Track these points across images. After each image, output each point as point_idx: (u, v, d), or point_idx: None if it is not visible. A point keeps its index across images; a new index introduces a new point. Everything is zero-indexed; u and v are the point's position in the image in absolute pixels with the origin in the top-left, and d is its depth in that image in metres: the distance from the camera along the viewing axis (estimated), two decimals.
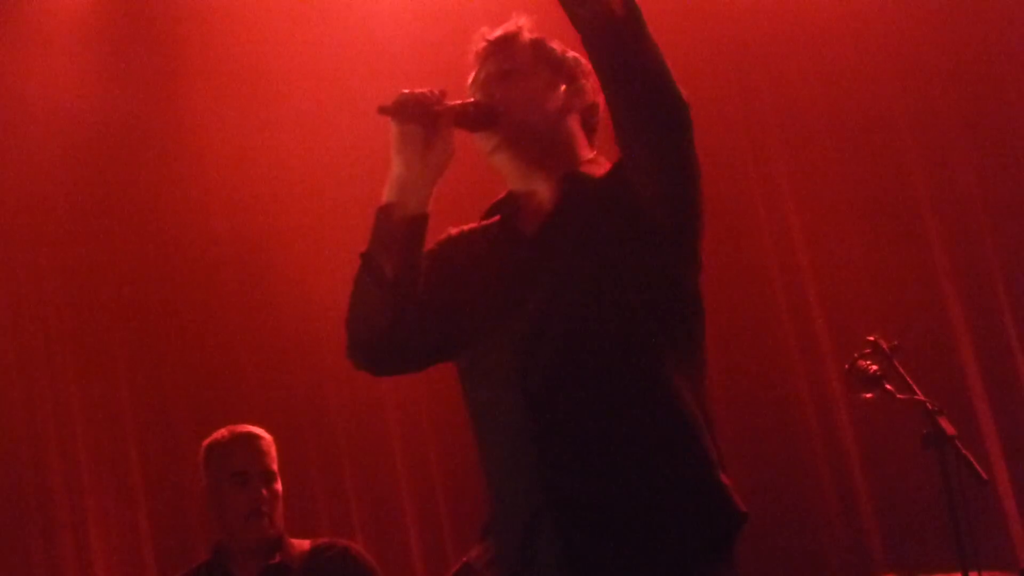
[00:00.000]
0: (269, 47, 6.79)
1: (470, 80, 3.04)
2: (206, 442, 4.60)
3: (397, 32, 6.65)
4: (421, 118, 2.80)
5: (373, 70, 6.37)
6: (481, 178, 3.12)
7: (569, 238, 2.85)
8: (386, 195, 2.85)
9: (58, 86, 6.79)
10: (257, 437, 4.56)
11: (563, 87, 2.98)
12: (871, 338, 4.92)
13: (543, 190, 2.96)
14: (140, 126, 6.90)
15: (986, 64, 6.44)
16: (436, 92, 2.84)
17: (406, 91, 2.82)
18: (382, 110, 2.79)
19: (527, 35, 3.04)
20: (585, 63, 2.95)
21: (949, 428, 4.65)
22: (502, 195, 3.06)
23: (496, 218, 3.04)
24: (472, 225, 3.09)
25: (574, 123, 3.01)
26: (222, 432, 4.60)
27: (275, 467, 4.53)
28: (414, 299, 2.84)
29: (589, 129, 3.05)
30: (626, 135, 2.73)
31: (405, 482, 6.69)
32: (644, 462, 2.73)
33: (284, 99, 6.79)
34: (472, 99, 2.97)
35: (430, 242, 2.94)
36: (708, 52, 6.55)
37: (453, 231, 3.08)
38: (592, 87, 2.97)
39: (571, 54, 3.01)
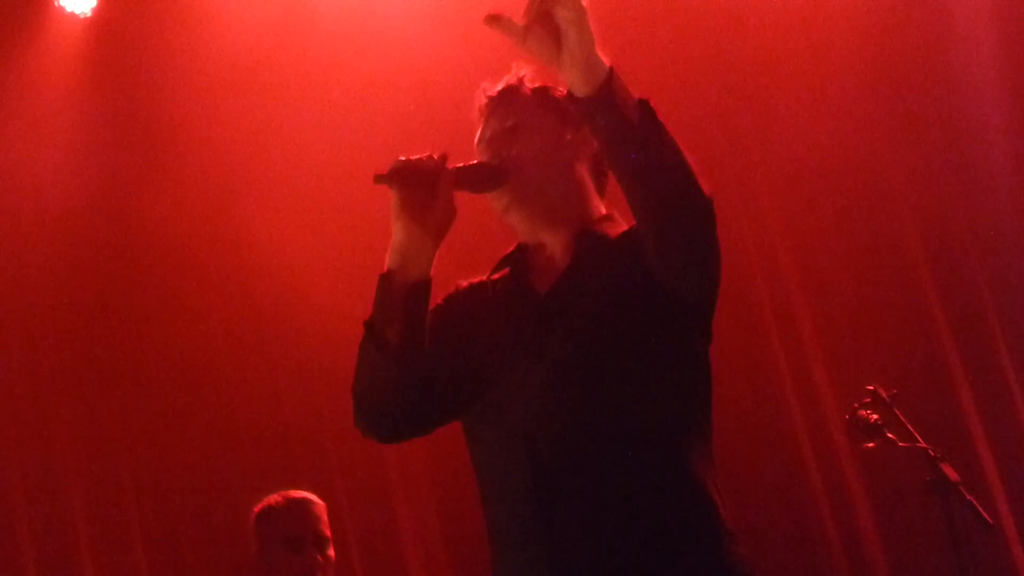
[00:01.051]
0: (259, 120, 6.83)
1: (476, 138, 3.00)
2: (258, 508, 4.55)
3: (394, 93, 6.70)
4: (418, 184, 2.76)
5: (368, 140, 6.40)
6: (489, 228, 3.12)
7: (581, 299, 2.81)
8: (387, 262, 2.81)
9: (45, 162, 6.82)
10: (311, 502, 4.53)
11: (569, 136, 2.93)
12: (870, 387, 4.92)
13: (555, 244, 2.92)
14: (129, 202, 6.93)
15: (974, 111, 6.49)
16: (435, 156, 2.80)
17: (402, 158, 2.79)
18: (378, 179, 2.76)
19: (529, 85, 2.99)
20: None
21: (952, 474, 4.66)
22: (512, 248, 3.02)
23: (506, 271, 2.99)
24: (481, 278, 3.04)
25: (584, 171, 2.97)
26: (275, 497, 4.55)
27: (328, 532, 4.50)
28: (419, 365, 2.79)
29: (599, 174, 2.99)
30: (649, 233, 2.68)
31: (407, 532, 6.67)
32: (657, 536, 2.66)
33: (276, 175, 6.84)
34: (477, 160, 2.94)
35: (440, 295, 2.92)
36: (700, 105, 6.59)
37: (463, 284, 3.04)
38: None
39: None
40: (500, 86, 3.00)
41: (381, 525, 6.70)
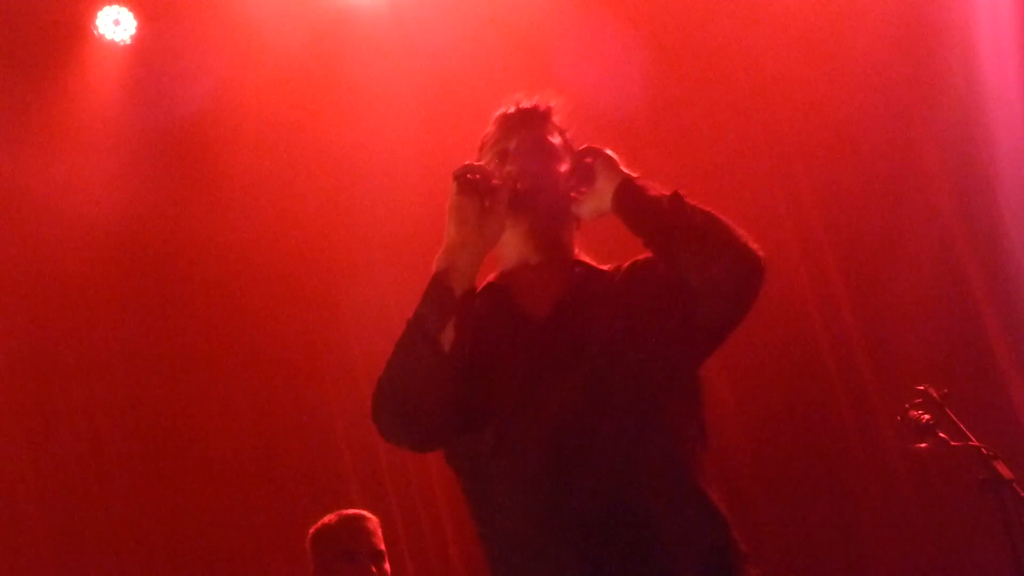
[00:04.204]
0: (297, 135, 6.91)
1: (494, 143, 3.02)
2: (313, 528, 4.62)
3: (431, 102, 6.75)
4: (482, 189, 2.79)
5: (409, 151, 6.45)
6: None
7: (594, 325, 2.85)
8: (440, 263, 2.78)
9: (87, 189, 6.91)
10: (364, 518, 4.60)
11: (574, 180, 2.98)
12: (921, 387, 4.89)
13: (545, 270, 2.97)
14: (171, 216, 7.02)
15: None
16: (490, 168, 2.85)
17: (470, 162, 2.83)
18: (456, 175, 2.79)
19: (558, 117, 3.06)
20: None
21: (1006, 472, 4.62)
22: (489, 275, 3.03)
23: (488, 292, 2.99)
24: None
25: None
26: (329, 517, 4.63)
27: (383, 547, 4.55)
28: (461, 371, 2.76)
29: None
30: (707, 295, 2.79)
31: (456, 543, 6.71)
32: (684, 559, 2.70)
33: (315, 188, 6.90)
34: (508, 178, 2.93)
35: None
36: (733, 100, 6.60)
37: None
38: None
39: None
40: (534, 104, 3.05)
41: (431, 537, 6.73)
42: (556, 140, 3.03)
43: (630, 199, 2.85)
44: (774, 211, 6.57)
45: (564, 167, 2.99)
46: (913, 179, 6.47)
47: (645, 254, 2.93)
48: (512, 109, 3.04)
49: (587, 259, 3.03)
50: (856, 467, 6.36)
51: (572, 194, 2.97)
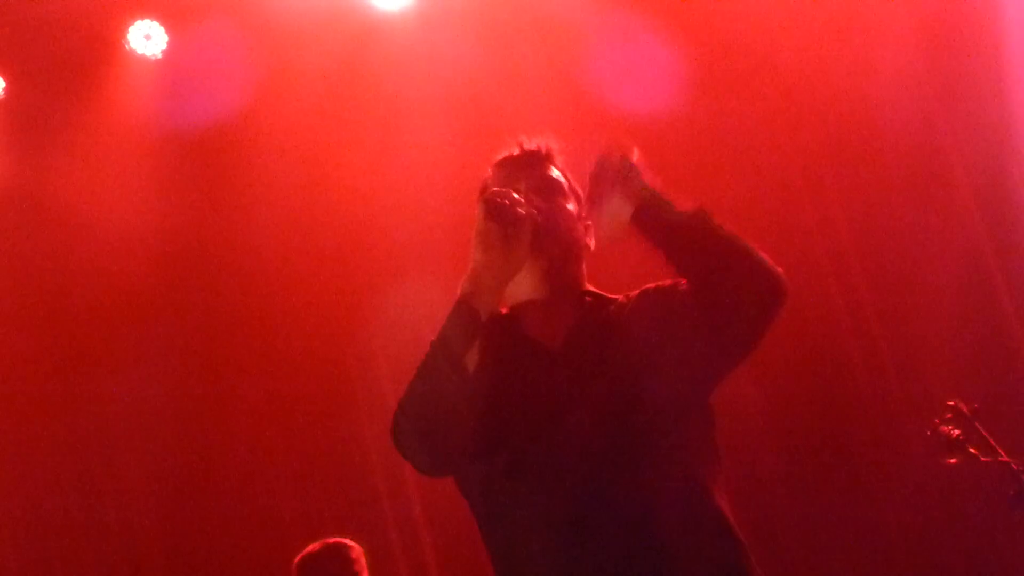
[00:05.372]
0: (326, 144, 6.96)
1: (501, 184, 2.98)
2: (297, 558, 4.66)
3: (458, 111, 6.79)
4: (509, 216, 2.79)
5: (437, 157, 6.49)
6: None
7: (605, 352, 2.85)
8: (465, 287, 2.79)
9: (120, 201, 6.97)
10: (347, 547, 4.65)
11: (584, 215, 3.00)
12: (951, 402, 4.87)
13: (558, 303, 2.97)
14: (199, 242, 7.07)
15: None
16: (518, 196, 2.83)
17: (497, 189, 2.84)
18: (484, 200, 2.79)
19: (560, 158, 3.08)
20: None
21: None
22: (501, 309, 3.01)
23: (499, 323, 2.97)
24: None
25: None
26: (313, 545, 4.68)
27: (365, 574, 4.59)
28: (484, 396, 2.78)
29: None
30: (726, 320, 2.79)
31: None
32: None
33: (344, 197, 6.93)
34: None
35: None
36: (763, 112, 6.60)
37: None
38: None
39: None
40: (537, 146, 3.07)
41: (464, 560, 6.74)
42: (563, 180, 3.04)
43: (654, 214, 2.82)
44: (803, 223, 6.56)
45: (573, 205, 3.00)
46: (943, 191, 6.45)
47: (653, 282, 2.94)
48: (516, 151, 3.06)
49: (596, 289, 3.04)
50: (885, 482, 6.34)
51: (586, 225, 2.98)
